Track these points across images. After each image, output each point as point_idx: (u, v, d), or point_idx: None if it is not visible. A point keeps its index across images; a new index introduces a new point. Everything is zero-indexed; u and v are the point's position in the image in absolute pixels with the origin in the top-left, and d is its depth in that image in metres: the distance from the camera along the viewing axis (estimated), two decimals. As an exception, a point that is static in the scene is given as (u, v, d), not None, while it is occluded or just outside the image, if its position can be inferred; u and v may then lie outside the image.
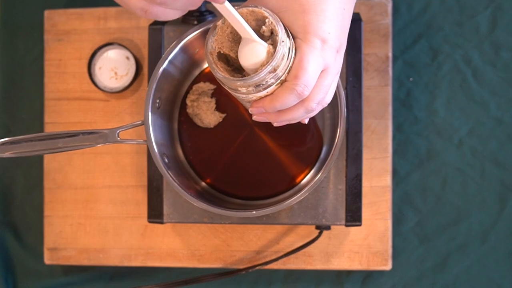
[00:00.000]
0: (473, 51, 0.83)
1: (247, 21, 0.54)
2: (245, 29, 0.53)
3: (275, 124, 0.60)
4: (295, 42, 0.54)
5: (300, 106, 0.56)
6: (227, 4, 0.52)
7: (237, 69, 0.57)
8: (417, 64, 0.84)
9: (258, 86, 0.54)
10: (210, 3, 0.76)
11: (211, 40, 0.56)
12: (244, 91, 0.55)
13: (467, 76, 0.83)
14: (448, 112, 0.83)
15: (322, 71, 0.55)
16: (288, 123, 0.59)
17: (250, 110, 0.58)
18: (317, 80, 0.55)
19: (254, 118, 0.59)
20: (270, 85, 0.54)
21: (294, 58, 0.53)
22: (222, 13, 0.53)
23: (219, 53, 0.56)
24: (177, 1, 0.51)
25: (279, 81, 0.54)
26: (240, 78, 0.53)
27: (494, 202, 0.82)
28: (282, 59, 0.53)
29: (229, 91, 0.57)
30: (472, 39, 0.83)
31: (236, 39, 0.55)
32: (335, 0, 0.54)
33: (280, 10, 0.54)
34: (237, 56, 0.55)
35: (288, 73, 0.54)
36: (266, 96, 0.56)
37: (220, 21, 0.55)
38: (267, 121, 0.59)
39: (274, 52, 0.52)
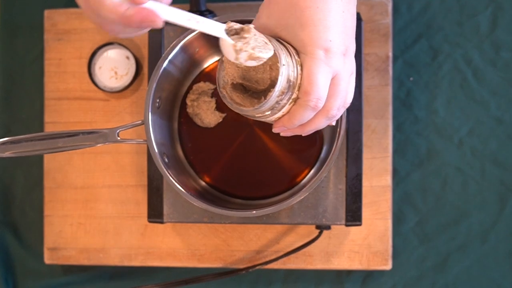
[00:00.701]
0: (473, 50, 0.83)
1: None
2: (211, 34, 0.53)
3: (303, 134, 0.60)
4: (300, 57, 0.54)
5: (320, 116, 0.56)
6: (166, 8, 0.51)
7: (255, 93, 0.57)
8: (417, 64, 0.84)
9: (273, 109, 0.55)
10: (209, 2, 0.76)
11: (222, 75, 0.56)
12: (264, 115, 0.56)
13: (467, 76, 0.83)
14: (448, 111, 0.83)
15: (332, 78, 0.55)
16: (316, 130, 0.60)
17: (273, 130, 0.59)
18: (331, 88, 0.55)
19: (282, 134, 0.60)
20: (283, 106, 0.55)
21: (301, 74, 0.54)
22: (169, 19, 0.52)
23: (232, 84, 0.57)
24: (121, 34, 0.54)
25: (291, 100, 0.55)
26: (254, 108, 0.55)
27: (494, 202, 0.82)
28: (288, 80, 0.53)
29: (250, 118, 0.58)
30: (473, 39, 0.83)
31: (245, 67, 0.55)
32: (332, 6, 0.53)
33: (281, 28, 0.55)
34: (251, 82, 0.56)
35: (298, 90, 0.54)
36: (283, 115, 0.57)
37: None
38: (295, 134, 0.60)
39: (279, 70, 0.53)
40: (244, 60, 0.53)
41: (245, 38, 0.53)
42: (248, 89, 0.58)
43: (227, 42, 0.53)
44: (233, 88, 0.57)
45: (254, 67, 0.56)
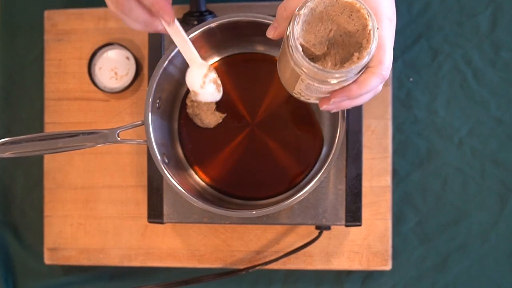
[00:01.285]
0: (473, 51, 0.83)
1: (323, 14, 0.53)
2: (194, 53, 0.65)
3: (334, 110, 0.59)
4: None
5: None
6: (178, 27, 0.62)
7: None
8: (417, 64, 0.84)
9: (348, 76, 0.53)
10: (209, 2, 0.76)
11: (297, 28, 0.52)
12: (335, 81, 0.53)
13: (467, 76, 0.83)
14: (448, 112, 0.83)
15: None
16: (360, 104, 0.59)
17: (332, 101, 0.56)
18: None
19: (324, 108, 0.57)
20: (359, 72, 0.53)
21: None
22: (173, 38, 0.63)
23: None
24: (131, 16, 0.60)
25: (364, 67, 0.53)
26: (344, 70, 0.51)
27: (494, 202, 0.82)
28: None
29: (310, 83, 0.55)
30: (472, 39, 0.83)
31: (308, 28, 0.53)
32: None
33: None
34: (309, 45, 0.54)
35: (370, 58, 0.52)
36: (349, 84, 0.54)
37: (302, 10, 0.52)
38: (337, 109, 0.58)
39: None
40: (209, 80, 0.66)
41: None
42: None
43: (205, 64, 0.67)
44: None
45: (318, 28, 0.53)
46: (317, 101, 0.59)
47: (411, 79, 0.84)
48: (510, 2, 0.83)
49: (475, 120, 0.83)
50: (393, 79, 0.83)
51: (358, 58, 0.51)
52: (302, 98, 0.61)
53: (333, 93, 0.56)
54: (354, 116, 0.73)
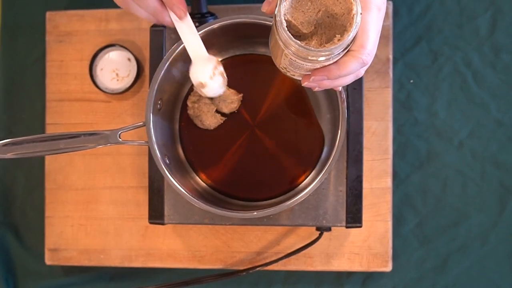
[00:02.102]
0: (473, 53, 0.84)
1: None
2: (202, 48, 0.66)
3: (316, 89, 0.60)
4: None
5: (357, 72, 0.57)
6: (189, 21, 0.64)
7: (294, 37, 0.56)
8: (417, 66, 0.84)
9: (330, 56, 0.54)
10: (210, 4, 0.76)
11: (283, 5, 0.54)
12: (316, 59, 0.55)
13: (467, 78, 0.83)
14: (448, 114, 0.83)
15: None
16: (340, 86, 0.60)
17: (312, 79, 0.58)
18: None
19: (306, 84, 0.59)
20: (339, 54, 0.55)
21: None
22: (180, 31, 0.64)
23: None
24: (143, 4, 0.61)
25: (347, 50, 0.55)
26: (323, 49, 0.53)
27: (494, 204, 0.82)
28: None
29: (293, 59, 0.56)
30: (472, 42, 0.84)
31: (297, 6, 0.55)
32: None
33: None
34: (297, 22, 0.55)
35: (353, 41, 0.54)
36: (329, 64, 0.56)
37: None
38: (318, 87, 0.60)
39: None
40: (218, 72, 0.68)
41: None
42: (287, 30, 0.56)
43: (212, 57, 0.68)
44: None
45: (307, 8, 0.55)
46: (301, 78, 0.61)
47: (411, 81, 0.84)
48: (510, 5, 0.83)
49: (475, 122, 0.83)
50: (394, 81, 0.83)
51: (338, 40, 0.53)
52: (288, 74, 0.62)
53: (313, 71, 0.57)
54: (355, 117, 0.73)
